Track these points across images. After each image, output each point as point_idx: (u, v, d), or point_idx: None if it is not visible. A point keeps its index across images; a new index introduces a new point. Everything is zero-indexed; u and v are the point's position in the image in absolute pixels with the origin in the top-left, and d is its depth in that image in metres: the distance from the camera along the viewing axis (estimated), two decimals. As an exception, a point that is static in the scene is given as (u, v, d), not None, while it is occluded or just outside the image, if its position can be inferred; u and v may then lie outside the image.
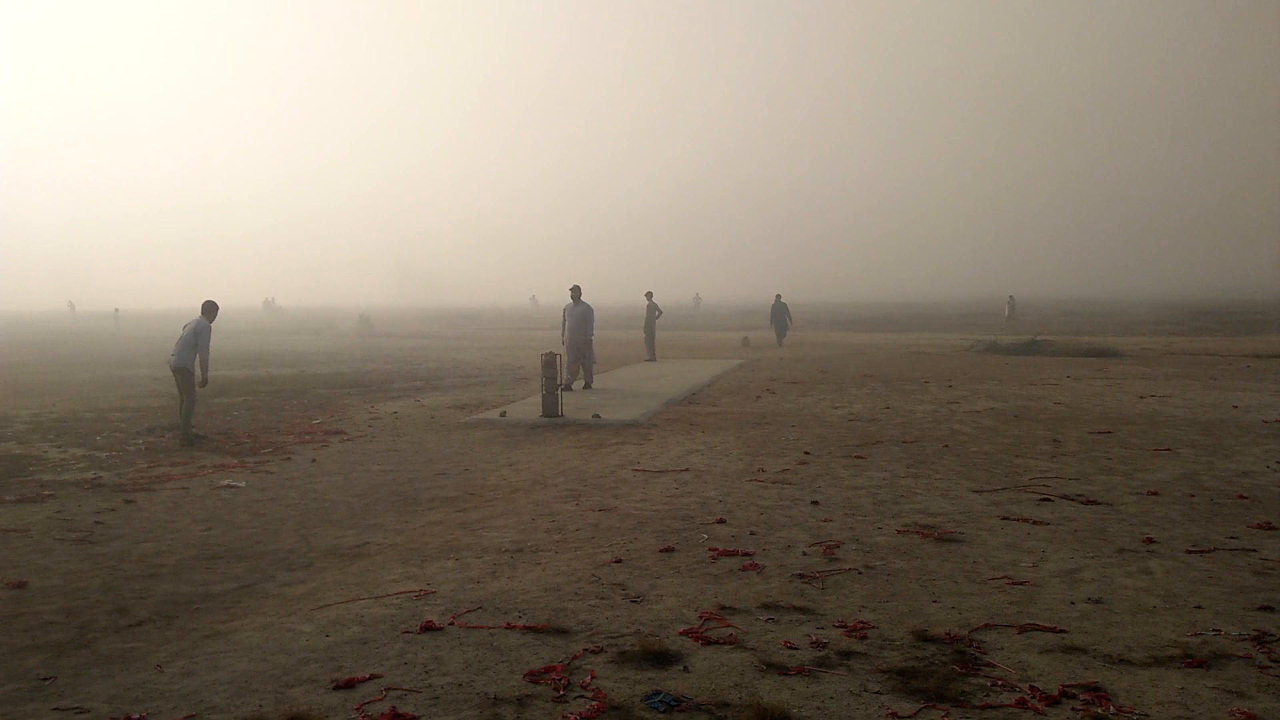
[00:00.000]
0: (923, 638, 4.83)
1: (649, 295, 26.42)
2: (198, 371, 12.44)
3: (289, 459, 10.95)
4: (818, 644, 4.76)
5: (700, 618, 5.17)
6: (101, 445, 12.09)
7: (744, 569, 6.10)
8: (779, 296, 34.69)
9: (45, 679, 4.62)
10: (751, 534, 6.99)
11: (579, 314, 17.52)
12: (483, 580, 5.98)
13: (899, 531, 7.00)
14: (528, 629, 5.03)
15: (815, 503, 7.99)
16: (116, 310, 54.87)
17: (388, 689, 4.29)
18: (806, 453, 10.50)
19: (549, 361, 14.01)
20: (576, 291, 17.80)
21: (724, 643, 4.80)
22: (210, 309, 12.77)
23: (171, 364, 12.64)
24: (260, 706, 4.14)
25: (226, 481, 9.54)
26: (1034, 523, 7.18)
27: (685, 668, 4.48)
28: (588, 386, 17.59)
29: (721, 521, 7.37)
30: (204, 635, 5.18)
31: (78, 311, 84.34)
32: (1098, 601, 5.36)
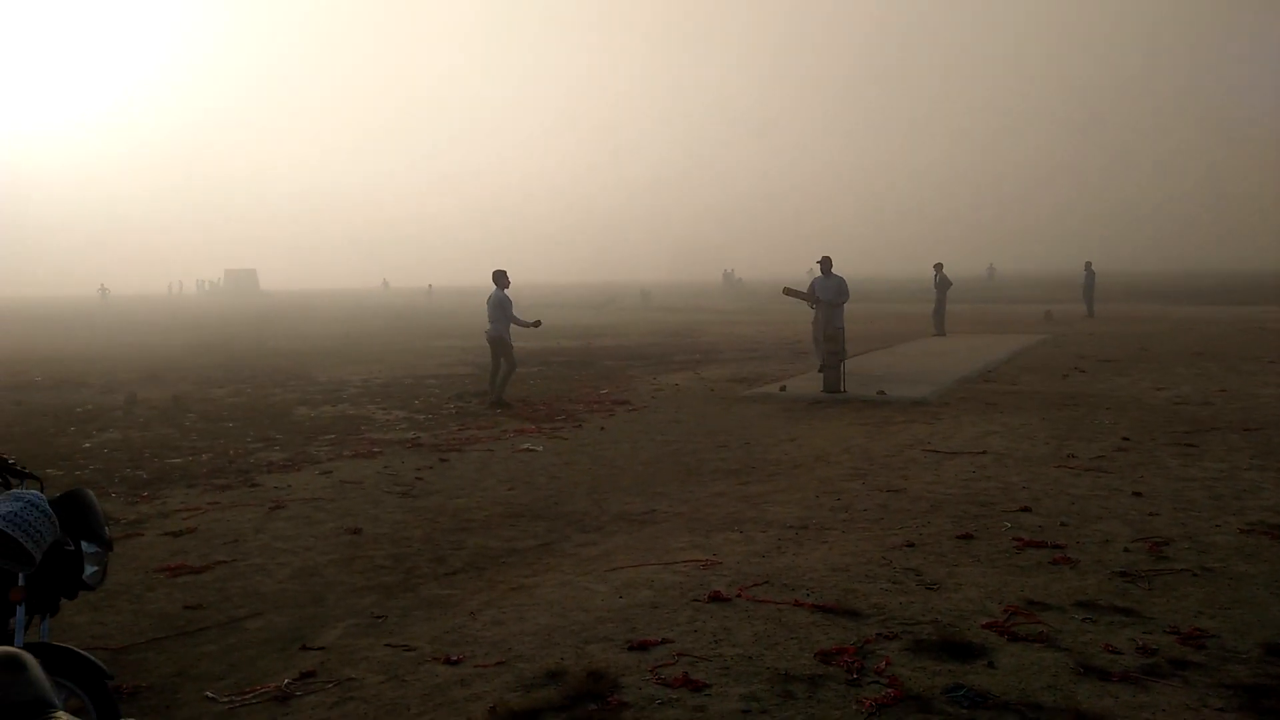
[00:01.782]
0: (1276, 652, 4.16)
1: (938, 267, 25.14)
2: (513, 333, 13.76)
3: (580, 426, 11.50)
4: (1145, 650, 4.24)
5: (1005, 611, 4.78)
6: (419, 409, 13.36)
7: (1055, 562, 5.58)
8: (1089, 265, 31.80)
9: (378, 617, 5.12)
10: (1062, 525, 6.39)
11: (831, 288, 15.55)
12: (768, 555, 5.91)
13: (1242, 531, 6.11)
14: (816, 608, 4.89)
15: (1138, 494, 7.17)
16: (430, 286, 60.72)
17: (679, 654, 4.33)
18: (1125, 438, 9.48)
19: (831, 335, 13.69)
20: (827, 263, 15.73)
21: (1033, 640, 4.40)
22: (500, 277, 13.94)
23: (488, 335, 13.94)
24: (562, 660, 4.33)
25: (526, 445, 10.18)
26: None
27: (990, 663, 4.15)
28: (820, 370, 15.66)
29: (1026, 509, 6.80)
30: (510, 588, 5.52)
31: (391, 288, 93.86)
32: None
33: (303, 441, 10.78)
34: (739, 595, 5.12)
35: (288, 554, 6.35)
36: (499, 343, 13.75)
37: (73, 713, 1.97)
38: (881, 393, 13.13)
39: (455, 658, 4.43)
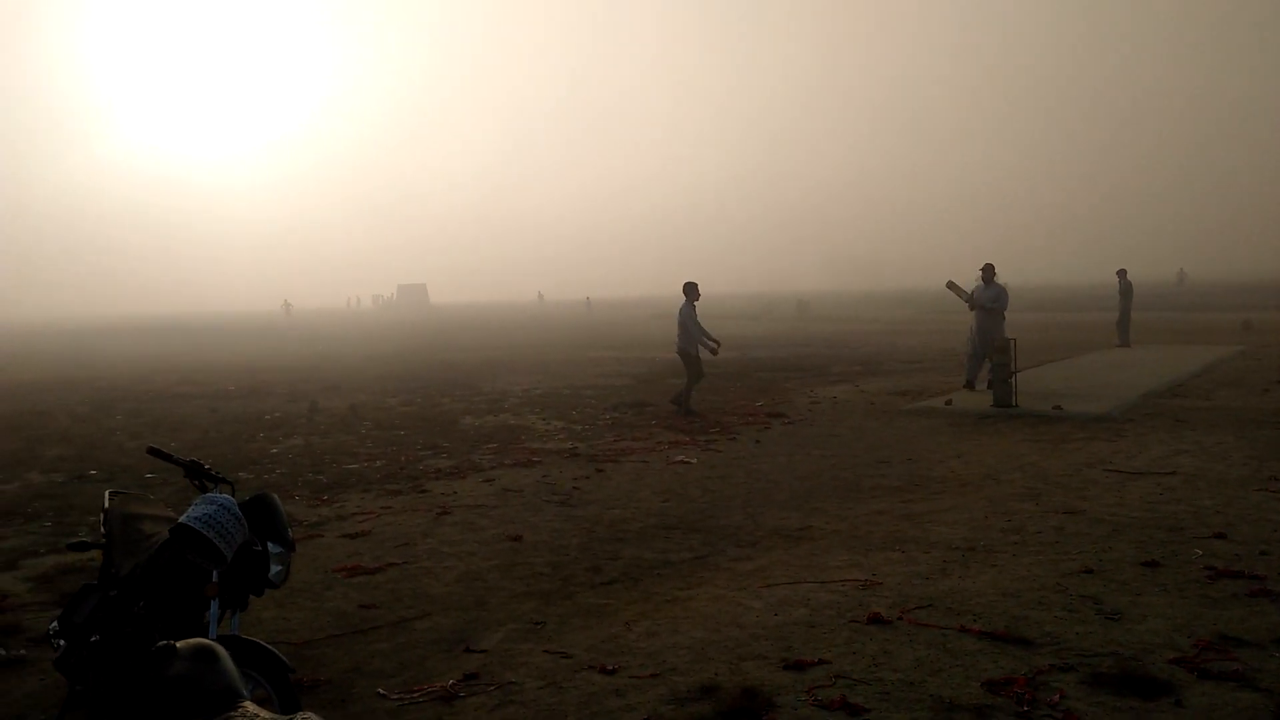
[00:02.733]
0: None
1: (1121, 273, 23.58)
2: (702, 348, 13.91)
3: (734, 439, 11.43)
4: (1366, 699, 3.81)
5: (1195, 646, 4.41)
6: (577, 419, 13.64)
7: (1252, 594, 5.10)
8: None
9: (537, 623, 5.25)
10: (1262, 553, 5.84)
11: (990, 297, 14.83)
12: (932, 577, 5.68)
13: None
14: (984, 634, 4.66)
15: (1353, 522, 6.47)
16: (588, 299, 62.04)
17: (836, 676, 4.22)
18: (1336, 460, 8.59)
19: (1001, 347, 13.07)
20: (989, 271, 15.05)
21: (1227, 678, 4.04)
22: (690, 289, 14.13)
23: (676, 348, 14.30)
24: (715, 675, 4.30)
25: (680, 458, 10.21)
26: None
27: (1178, 701, 3.84)
28: (987, 386, 13.80)
29: (1220, 536, 6.26)
30: (664, 600, 5.54)
31: (546, 300, 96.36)
32: None
33: (468, 450, 11.21)
34: (900, 618, 4.94)
35: (453, 558, 6.60)
36: (683, 355, 14.06)
37: (258, 702, 2.11)
38: (1058, 407, 12.42)
39: (611, 667, 4.48)
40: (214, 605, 3.44)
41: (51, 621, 4.18)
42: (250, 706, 2.06)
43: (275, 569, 3.60)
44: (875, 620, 4.91)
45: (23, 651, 4.97)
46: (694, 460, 10.06)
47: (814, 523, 7.27)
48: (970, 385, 14.82)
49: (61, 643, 3.45)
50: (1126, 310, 23.15)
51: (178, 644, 2.13)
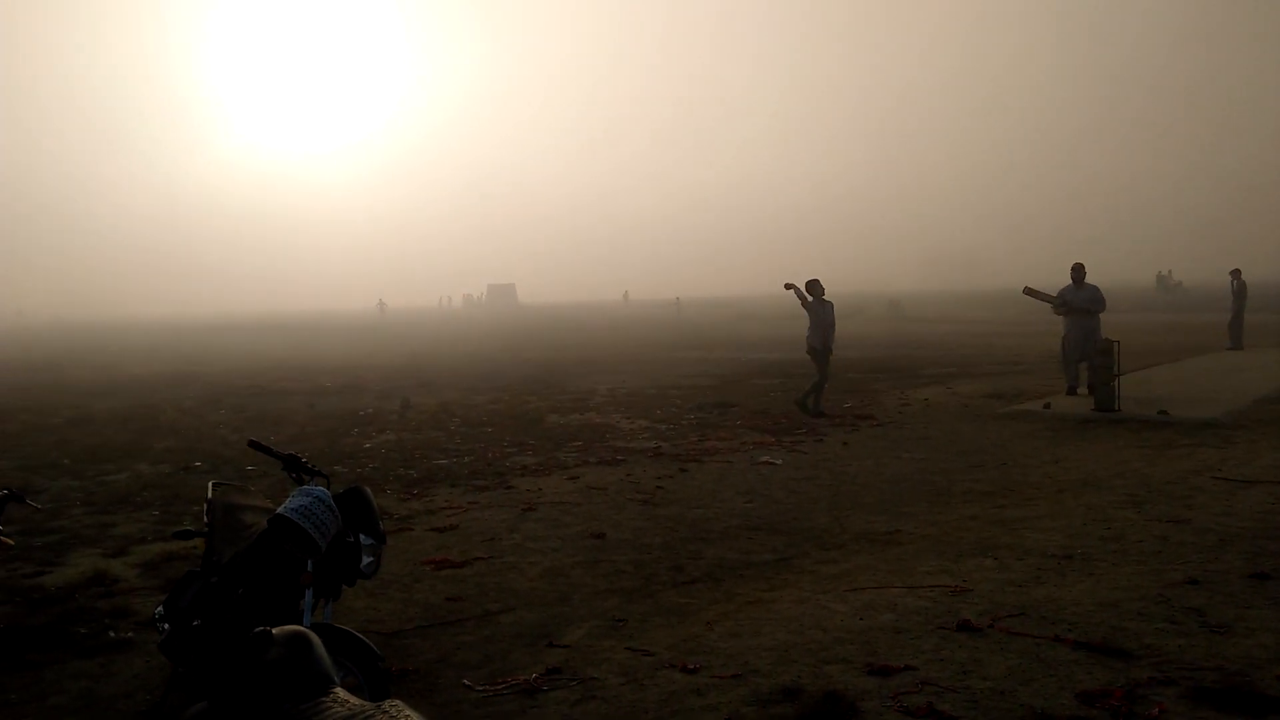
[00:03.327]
0: None
1: (1235, 273, 22.50)
2: (818, 343, 13.74)
3: (821, 441, 11.29)
4: None
5: (1311, 665, 4.17)
6: (661, 419, 13.66)
7: (1377, 612, 4.80)
8: None
9: (619, 620, 5.27)
10: (1387, 569, 5.49)
11: (1086, 299, 14.00)
12: (1025, 585, 5.51)
13: None
14: (1079, 644, 4.49)
15: None
16: (677, 299, 62.00)
17: (923, 682, 4.13)
18: None
19: (1103, 349, 12.59)
20: (1079, 272, 14.22)
21: (1348, 700, 3.81)
22: (813, 287, 13.87)
23: (807, 347, 14.08)
24: (798, 678, 4.25)
25: (765, 458, 10.13)
26: None
27: (1291, 723, 3.63)
28: (1089, 391, 13.31)
29: (1340, 549, 5.91)
30: (747, 601, 5.50)
31: (632, 300, 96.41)
32: None
33: (553, 447, 11.34)
34: (991, 625, 4.80)
35: (537, 554, 6.68)
36: (813, 353, 13.89)
37: (349, 689, 2.17)
38: (1163, 412, 11.90)
39: (692, 666, 4.47)
40: (308, 594, 3.56)
41: (157, 606, 4.38)
42: (341, 692, 2.12)
43: (367, 560, 3.71)
44: (965, 627, 4.78)
45: (130, 634, 5.23)
46: (779, 461, 9.97)
47: (902, 527, 7.13)
48: (1073, 391, 14.02)
49: (166, 626, 3.61)
50: (1239, 311, 22.06)
51: (274, 630, 2.20)
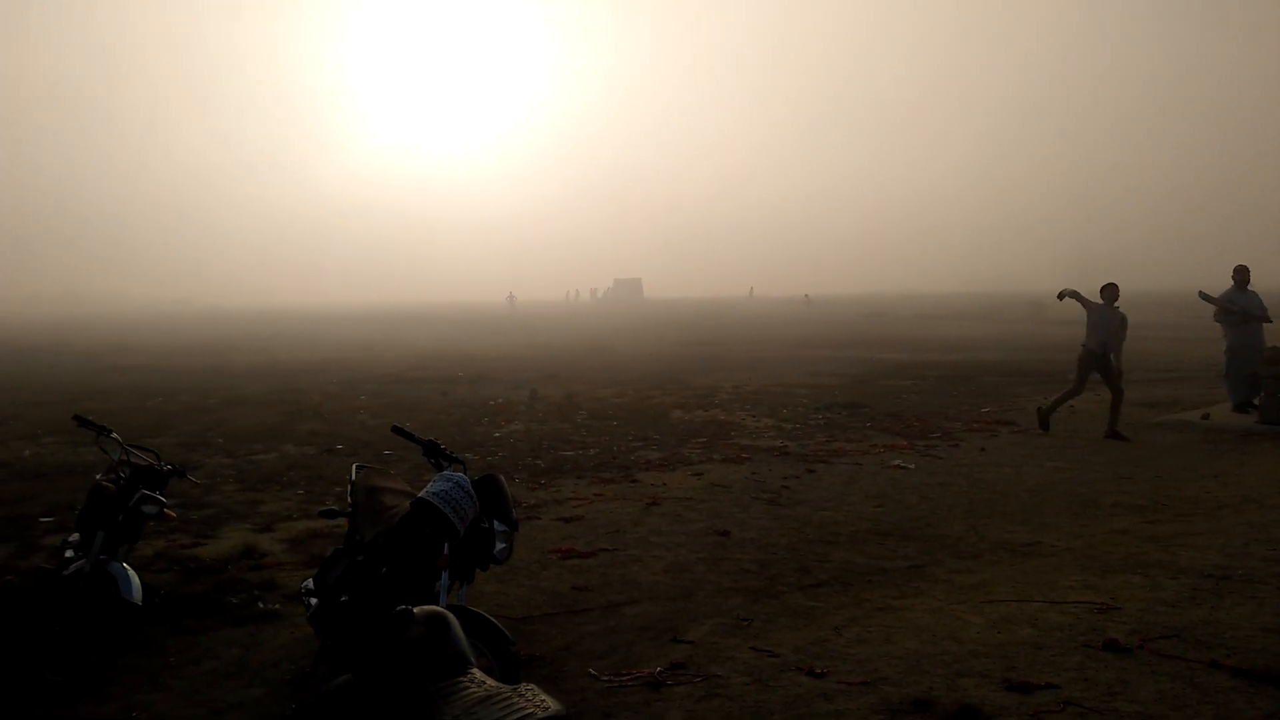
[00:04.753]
0: None
1: None
2: (1094, 345, 11.74)
3: (956, 445, 10.90)
4: None
5: None
6: (787, 417, 13.48)
7: None
8: None
9: (744, 619, 5.21)
10: None
11: (1257, 305, 12.77)
12: (1178, 605, 5.16)
13: None
14: (1239, 671, 4.18)
15: None
16: (807, 296, 61.20)
17: (1065, 702, 3.92)
18: None
19: (1271, 358, 11.70)
20: (1242, 275, 12.92)
21: None
22: (1107, 290, 11.76)
23: (1084, 351, 11.99)
24: (931, 689, 4.10)
25: (897, 462, 9.85)
26: None
27: None
28: (1255, 403, 12.09)
29: None
30: (876, 607, 5.35)
31: (757, 297, 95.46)
32: None
33: (677, 443, 11.34)
34: (1140, 646, 4.52)
35: (661, 548, 6.69)
36: (1086, 359, 11.88)
37: (481, 670, 2.21)
38: (1335, 427, 10.97)
39: (819, 670, 4.38)
40: (444, 576, 3.66)
41: (304, 581, 4.60)
42: (478, 673, 2.16)
43: (500, 546, 3.79)
44: (1111, 646, 4.52)
45: (277, 606, 5.50)
46: (911, 465, 9.67)
47: (1044, 538, 6.80)
48: (1243, 409, 12.46)
49: (314, 601, 3.78)
50: None
51: (415, 609, 2.26)
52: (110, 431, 5.06)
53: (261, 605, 5.50)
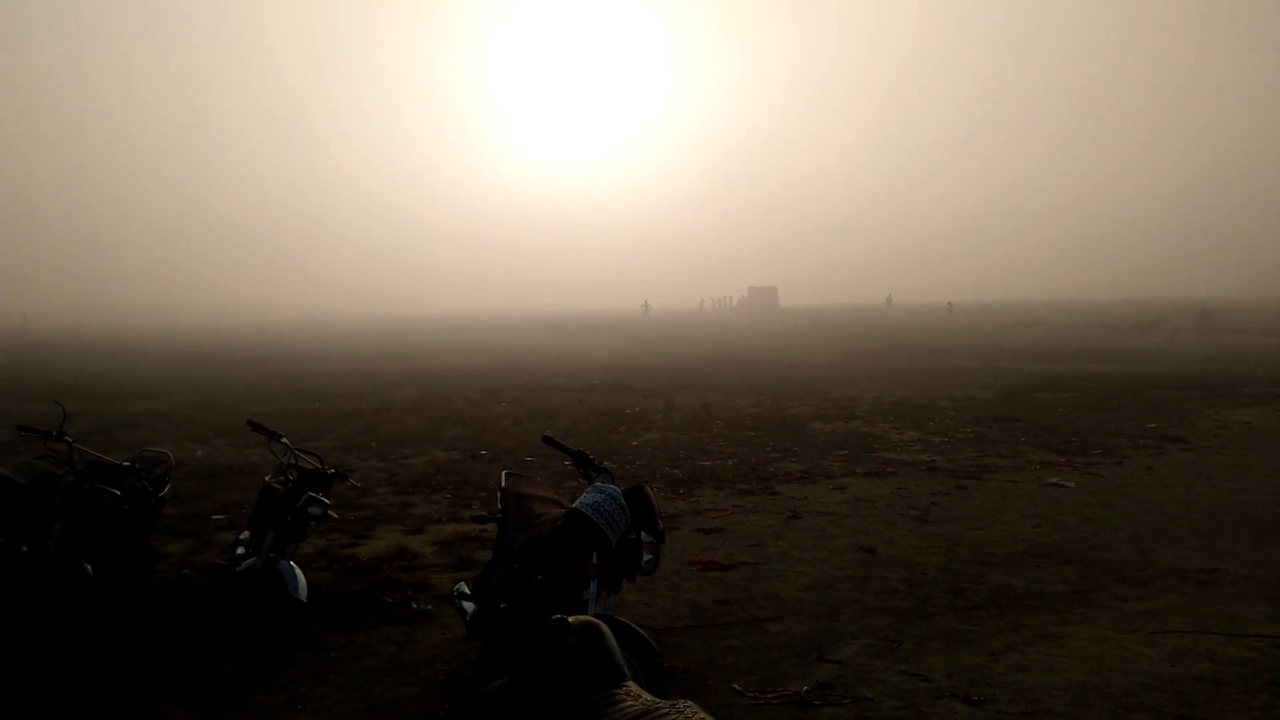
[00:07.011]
0: None
1: None
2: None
3: (1120, 463, 10.26)
4: None
5: None
6: (934, 430, 13.01)
7: None
8: None
9: (893, 641, 5.04)
10: None
11: None
12: (1385, 645, 4.68)
13: None
14: None
15: None
16: (950, 304, 59.24)
17: (1254, 749, 3.61)
18: None
19: None
20: None
21: None
22: None
23: None
24: (1099, 726, 3.85)
25: (1055, 480, 9.35)
26: None
27: None
28: None
29: None
30: (1035, 634, 5.08)
31: (895, 305, 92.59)
32: None
33: (817, 455, 11.12)
34: (1341, 690, 4.12)
35: (804, 564, 6.56)
36: None
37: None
38: None
39: (976, 698, 4.18)
40: (593, 585, 3.68)
41: (456, 584, 4.72)
42: (634, 687, 2.14)
43: (647, 558, 3.78)
44: (1306, 689, 4.14)
45: (429, 607, 5.68)
46: (1071, 484, 9.16)
47: (1221, 565, 6.31)
48: None
49: (470, 606, 3.87)
50: None
51: (569, 619, 2.27)
52: (281, 436, 5.35)
53: (415, 605, 5.69)
